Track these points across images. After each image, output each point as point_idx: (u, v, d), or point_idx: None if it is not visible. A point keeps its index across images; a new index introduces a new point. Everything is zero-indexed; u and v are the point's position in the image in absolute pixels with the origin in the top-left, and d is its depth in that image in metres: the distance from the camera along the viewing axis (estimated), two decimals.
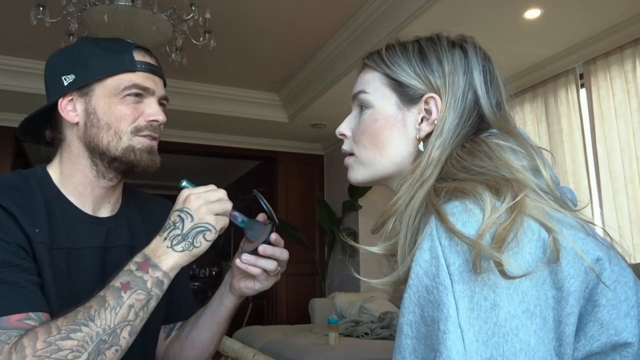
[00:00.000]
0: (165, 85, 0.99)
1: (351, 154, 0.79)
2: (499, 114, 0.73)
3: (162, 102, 0.98)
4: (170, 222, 0.82)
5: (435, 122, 0.71)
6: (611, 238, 0.66)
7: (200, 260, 8.18)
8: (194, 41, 2.96)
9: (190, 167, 6.70)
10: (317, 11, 3.36)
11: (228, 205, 0.84)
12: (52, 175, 0.95)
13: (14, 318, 0.74)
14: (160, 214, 0.83)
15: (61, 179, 0.95)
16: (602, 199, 3.10)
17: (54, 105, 0.94)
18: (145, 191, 1.14)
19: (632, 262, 2.86)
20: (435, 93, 0.72)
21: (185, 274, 1.13)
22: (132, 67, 0.92)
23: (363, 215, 5.00)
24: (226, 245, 7.51)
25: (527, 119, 3.66)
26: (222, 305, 0.99)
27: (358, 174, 0.78)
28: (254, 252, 0.89)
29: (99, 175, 0.94)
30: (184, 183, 0.88)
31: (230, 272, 0.98)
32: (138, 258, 0.80)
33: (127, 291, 0.76)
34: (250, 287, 0.94)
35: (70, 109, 0.93)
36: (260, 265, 0.89)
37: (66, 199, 0.94)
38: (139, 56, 0.94)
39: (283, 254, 0.91)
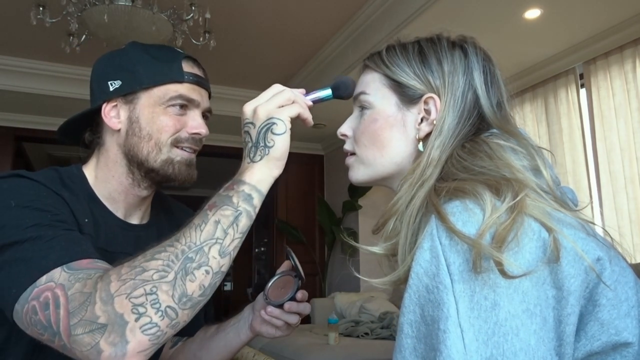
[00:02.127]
0: (210, 97, 0.98)
1: (352, 154, 0.79)
2: (500, 114, 0.73)
3: (206, 114, 0.97)
4: (244, 143, 0.79)
5: (434, 122, 0.71)
6: (611, 238, 0.65)
7: None
8: (194, 41, 2.96)
9: None
10: (317, 11, 3.36)
11: (287, 93, 0.78)
12: (87, 177, 0.94)
13: (85, 261, 0.72)
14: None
15: (95, 182, 0.94)
16: (602, 199, 3.10)
17: (97, 109, 0.92)
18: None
19: (632, 262, 2.86)
20: (435, 93, 0.72)
21: None
22: (179, 78, 0.91)
23: (363, 215, 5.00)
24: None
25: (527, 119, 3.66)
26: (238, 338, 1.02)
27: (358, 173, 0.78)
28: (280, 306, 0.93)
29: (134, 184, 0.94)
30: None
31: (251, 310, 1.01)
32: (227, 183, 0.76)
33: (213, 209, 0.72)
34: (271, 333, 0.98)
35: (113, 115, 0.92)
36: (284, 318, 0.94)
37: (100, 201, 0.93)
38: (187, 67, 0.93)
39: (306, 309, 0.95)
